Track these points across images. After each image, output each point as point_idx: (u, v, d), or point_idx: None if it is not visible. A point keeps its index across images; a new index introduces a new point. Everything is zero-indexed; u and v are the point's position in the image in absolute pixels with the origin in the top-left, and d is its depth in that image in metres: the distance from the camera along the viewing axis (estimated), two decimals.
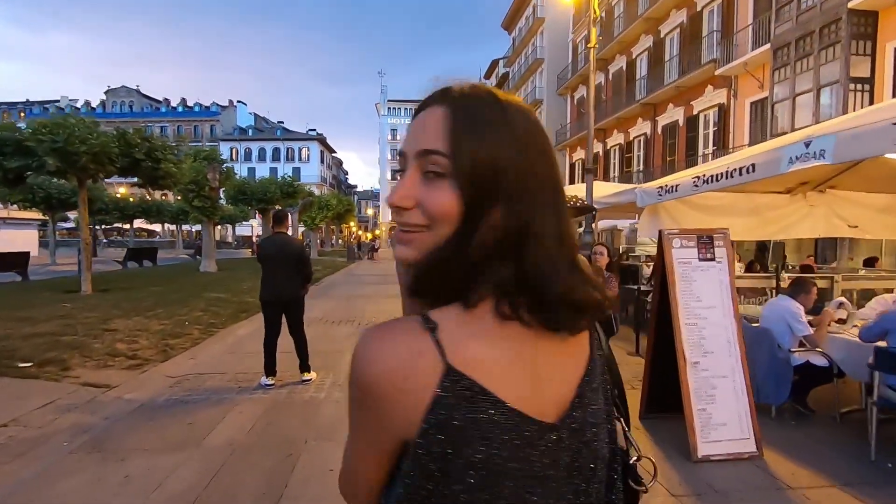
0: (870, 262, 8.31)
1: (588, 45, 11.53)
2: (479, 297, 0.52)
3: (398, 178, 0.58)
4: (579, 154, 27.95)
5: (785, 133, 12.10)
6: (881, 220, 6.00)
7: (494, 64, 48.99)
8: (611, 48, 23.93)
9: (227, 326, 7.82)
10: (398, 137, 74.72)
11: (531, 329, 0.52)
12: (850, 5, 11.32)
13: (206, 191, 15.61)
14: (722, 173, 4.23)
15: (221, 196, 18.63)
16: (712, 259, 3.59)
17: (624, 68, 23.62)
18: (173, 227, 43.72)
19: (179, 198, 16.84)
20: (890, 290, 5.47)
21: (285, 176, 26.24)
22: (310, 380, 5.01)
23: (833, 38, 11.80)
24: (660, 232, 3.63)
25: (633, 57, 22.82)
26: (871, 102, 11.55)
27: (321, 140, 68.00)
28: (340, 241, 56.89)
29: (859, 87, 11.54)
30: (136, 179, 11.60)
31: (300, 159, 66.21)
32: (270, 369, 4.90)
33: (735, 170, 4.06)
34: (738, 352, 3.45)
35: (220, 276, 14.92)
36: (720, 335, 3.46)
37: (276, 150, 66.29)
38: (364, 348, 0.52)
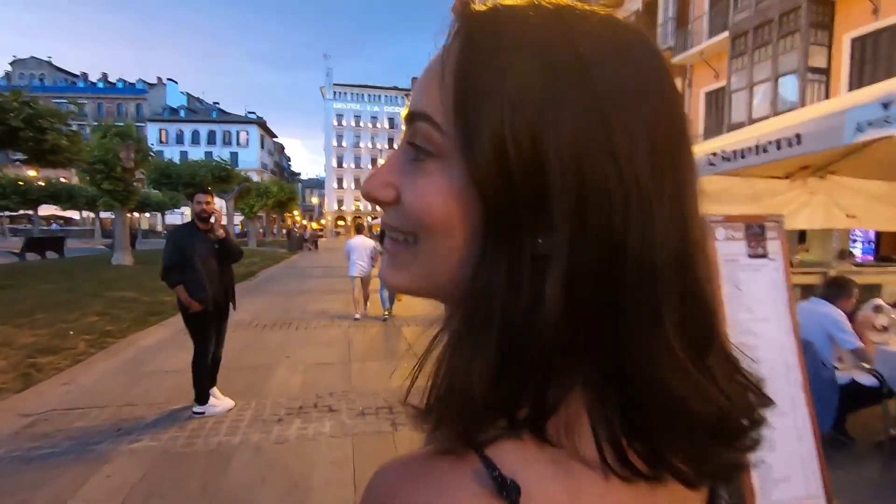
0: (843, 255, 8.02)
1: None
2: (553, 416, 0.29)
3: None
4: None
5: (742, 125, 11.90)
6: (879, 210, 5.50)
7: None
8: None
9: (129, 335, 6.34)
10: (344, 123, 72.10)
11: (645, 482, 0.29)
12: None
13: (119, 172, 13.51)
14: (752, 147, 3.41)
15: (139, 179, 16.42)
16: (764, 255, 2.71)
17: None
18: (94, 214, 39.56)
19: (87, 179, 14.54)
20: None
21: (218, 158, 23.93)
22: (211, 412, 3.78)
23: (792, 26, 11.63)
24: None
25: None
26: (827, 94, 11.51)
27: (261, 124, 64.23)
28: (284, 230, 54.17)
29: (816, 77, 11.45)
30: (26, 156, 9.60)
31: (238, 143, 62.27)
32: (205, 392, 3.76)
33: (771, 143, 3.23)
34: (799, 378, 2.60)
35: (134, 271, 12.99)
36: (777, 358, 2.60)
37: (212, 133, 61.94)
38: None
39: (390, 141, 72.90)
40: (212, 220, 3.83)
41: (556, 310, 0.27)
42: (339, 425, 3.64)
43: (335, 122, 71.92)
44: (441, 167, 0.31)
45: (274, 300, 9.89)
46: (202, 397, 3.72)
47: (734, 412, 0.31)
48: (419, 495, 0.27)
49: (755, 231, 2.75)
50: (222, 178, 21.43)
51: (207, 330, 3.76)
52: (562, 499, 0.28)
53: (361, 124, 73.11)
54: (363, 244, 8.39)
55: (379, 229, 13.86)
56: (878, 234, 11.83)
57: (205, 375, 3.75)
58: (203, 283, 3.67)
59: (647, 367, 0.28)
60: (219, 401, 3.85)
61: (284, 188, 35.11)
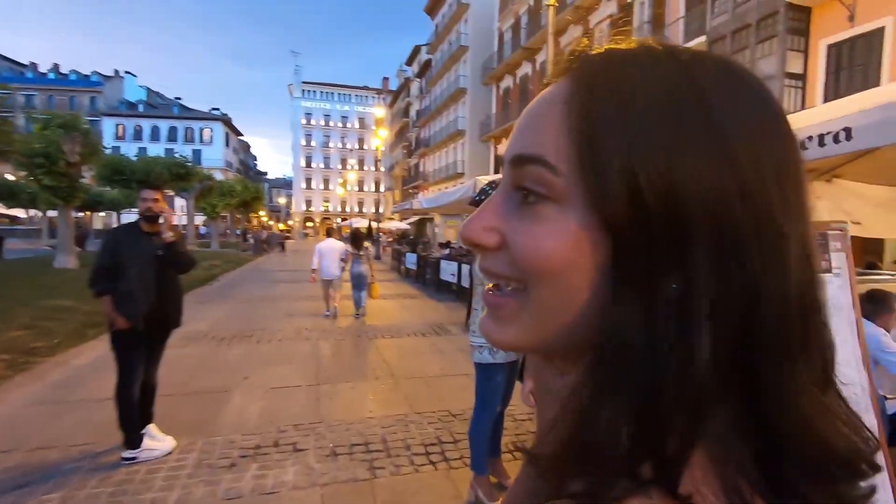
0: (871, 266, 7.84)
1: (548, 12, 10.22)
2: (684, 466, 0.26)
3: None
4: (506, 146, 27.25)
5: None
6: (883, 217, 5.25)
7: (417, 50, 47.19)
8: (539, 37, 23.35)
9: (59, 353, 5.50)
10: (313, 122, 70.48)
11: None
12: None
13: (62, 167, 12.32)
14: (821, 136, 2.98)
15: (87, 175, 15.14)
16: (828, 270, 2.27)
17: (553, 58, 23.05)
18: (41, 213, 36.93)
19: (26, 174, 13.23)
20: None
21: (177, 154, 22.57)
22: (146, 457, 3.10)
23: (770, 31, 11.62)
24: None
25: (562, 47, 22.29)
26: (804, 99, 11.53)
27: (226, 121, 61.98)
28: (239, 231, 52.14)
29: (793, 83, 11.45)
30: None
31: (201, 141, 59.84)
32: (135, 432, 3.08)
33: (811, 138, 2.81)
34: (873, 423, 2.15)
35: (78, 275, 11.79)
36: (850, 400, 2.12)
37: (173, 130, 59.29)
38: None
39: (360, 141, 71.72)
40: (160, 220, 3.12)
41: (706, 358, 0.26)
42: (305, 471, 3.00)
43: (303, 121, 70.21)
44: (558, 211, 0.29)
45: (235, 308, 9.07)
46: (132, 439, 3.03)
47: (859, 453, 0.29)
48: None
49: (817, 241, 2.25)
50: (181, 175, 20.14)
51: (134, 355, 3.05)
52: None
53: (331, 123, 71.61)
54: (333, 247, 8.29)
55: (349, 231, 13.33)
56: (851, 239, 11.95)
57: (131, 411, 3.05)
58: (135, 294, 2.97)
59: (791, 408, 0.27)
60: (155, 441, 3.15)
61: (249, 187, 33.65)
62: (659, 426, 0.26)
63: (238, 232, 40.60)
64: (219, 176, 43.43)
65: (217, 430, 3.56)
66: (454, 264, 11.03)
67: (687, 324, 0.26)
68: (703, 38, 13.59)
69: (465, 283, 10.04)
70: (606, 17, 19.36)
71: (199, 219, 39.12)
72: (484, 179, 8.77)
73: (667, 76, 0.28)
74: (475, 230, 0.32)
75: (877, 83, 10.06)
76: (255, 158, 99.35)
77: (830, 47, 11.04)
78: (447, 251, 14.86)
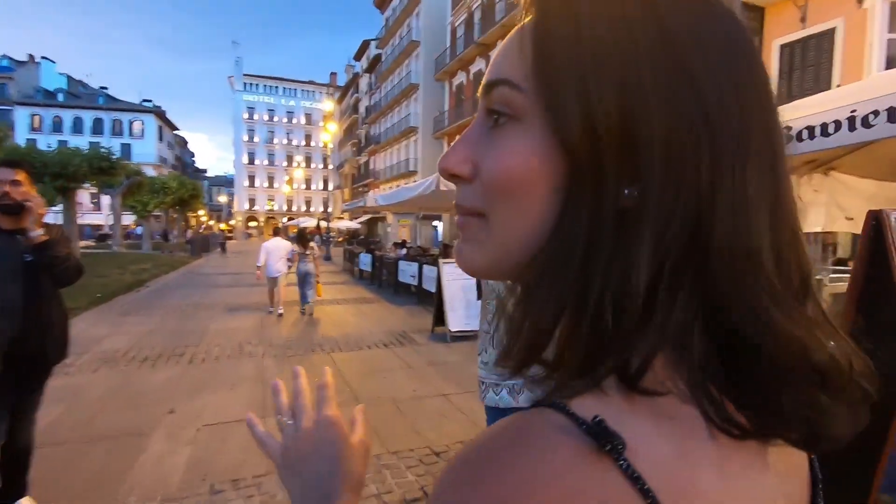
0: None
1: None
2: (648, 366, 0.27)
3: None
4: None
5: None
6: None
7: (366, 44, 45.91)
8: (493, 33, 23.03)
9: None
10: (256, 117, 67.23)
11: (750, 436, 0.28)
12: None
13: None
14: (841, 121, 2.52)
15: None
16: None
17: None
18: None
19: None
20: None
21: (101, 147, 20.33)
22: None
23: None
24: (875, 213, 1.71)
25: None
26: None
27: (159, 113, 57.78)
28: (190, 231, 48.66)
29: None
30: None
31: (131, 134, 55.46)
32: None
33: (857, 117, 2.38)
34: None
35: None
36: None
37: (98, 122, 54.59)
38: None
39: (307, 137, 69.21)
40: (25, 211, 2.18)
41: (648, 266, 0.26)
42: None
43: (245, 116, 66.82)
44: (521, 129, 0.30)
45: (165, 319, 7.89)
46: None
47: (846, 369, 0.29)
48: (504, 452, 0.25)
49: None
50: (103, 168, 18.07)
51: None
52: (667, 452, 0.26)
53: (275, 119, 68.60)
54: (280, 246, 8.50)
55: (296, 231, 12.45)
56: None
57: None
58: None
59: (753, 307, 0.27)
60: None
61: (186, 184, 31.21)
62: (603, 333, 0.27)
63: (158, 235, 37.42)
64: (151, 172, 40.28)
65: (126, 493, 2.67)
66: (414, 265, 10.28)
67: (635, 235, 0.27)
68: None
69: (427, 285, 9.32)
70: None
71: (130, 218, 36.10)
72: None
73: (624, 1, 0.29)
74: (451, 162, 0.33)
75: (828, 84, 10.29)
76: (192, 155, 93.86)
77: (783, 47, 11.22)
78: (403, 251, 14.07)
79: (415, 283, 10.13)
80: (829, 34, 10.32)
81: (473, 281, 6.93)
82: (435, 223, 30.25)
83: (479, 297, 2.36)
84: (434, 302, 7.06)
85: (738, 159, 0.28)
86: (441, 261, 6.85)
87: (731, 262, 0.27)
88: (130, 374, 4.92)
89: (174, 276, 15.26)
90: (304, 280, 8.44)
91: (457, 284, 6.74)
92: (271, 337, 6.70)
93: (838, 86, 9.94)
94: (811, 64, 10.74)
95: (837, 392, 0.28)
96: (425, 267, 9.63)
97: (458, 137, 0.34)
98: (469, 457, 0.26)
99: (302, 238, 8.73)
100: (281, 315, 8.23)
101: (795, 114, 2.90)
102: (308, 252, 8.48)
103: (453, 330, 6.50)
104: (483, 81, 0.33)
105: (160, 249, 27.08)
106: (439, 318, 6.85)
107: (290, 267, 8.54)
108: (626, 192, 0.27)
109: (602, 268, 0.27)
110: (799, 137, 2.73)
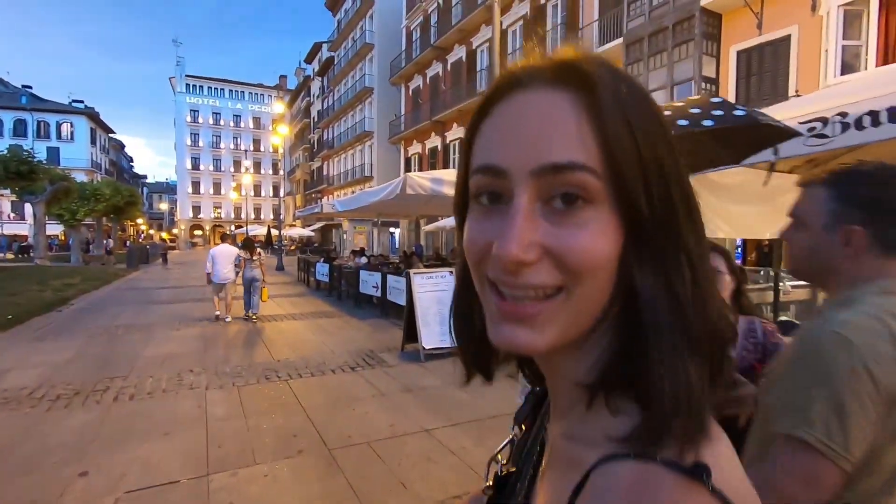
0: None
1: None
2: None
3: (479, 214, 0.37)
4: (416, 148, 26.34)
5: None
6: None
7: (318, 47, 44.59)
8: (449, 37, 22.76)
9: None
10: (200, 120, 63.97)
11: None
12: (702, 3, 11.30)
13: None
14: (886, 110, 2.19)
15: None
16: None
17: (464, 59, 22.51)
18: None
19: None
20: None
21: (21, 149, 18.20)
22: None
23: (686, 35, 11.75)
24: None
25: (474, 47, 21.81)
26: None
27: (91, 115, 53.72)
28: (130, 241, 45.04)
29: (707, 86, 11.66)
30: None
31: (59, 137, 51.27)
32: None
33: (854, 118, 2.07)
34: None
35: None
36: None
37: (20, 123, 50.16)
38: None
39: (256, 142, 66.51)
40: None
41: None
42: None
43: (189, 119, 63.44)
44: (596, 212, 0.33)
45: (88, 344, 6.80)
46: None
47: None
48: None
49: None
50: (22, 173, 16.19)
51: None
52: (734, 466, 0.33)
53: (222, 122, 65.51)
54: (227, 252, 8.69)
55: (243, 239, 11.52)
56: (745, 242, 12.42)
57: None
58: None
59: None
60: None
61: (122, 190, 28.81)
62: (697, 366, 0.32)
63: (110, 242, 34.45)
64: (82, 178, 37.20)
65: None
66: (376, 275, 9.56)
67: (694, 280, 0.33)
68: (619, 41, 13.59)
69: (394, 297, 8.64)
70: (520, 17, 19.11)
71: (55, 228, 33.09)
72: (417, 177, 7.51)
73: (636, 83, 0.35)
74: (515, 249, 0.33)
75: (786, 90, 10.49)
76: (131, 160, 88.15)
77: (740, 53, 11.38)
78: (363, 259, 13.25)
79: (378, 294, 9.42)
80: (785, 41, 10.52)
81: (449, 292, 6.35)
82: (392, 230, 29.48)
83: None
84: (403, 316, 6.40)
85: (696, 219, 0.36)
86: (411, 271, 6.20)
87: (703, 312, 0.34)
88: (35, 420, 3.97)
89: (106, 291, 13.75)
90: (249, 286, 8.85)
91: (430, 297, 6.12)
92: (217, 362, 5.82)
93: (796, 92, 10.14)
94: (768, 70, 10.93)
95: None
96: (390, 277, 8.95)
97: (506, 226, 0.34)
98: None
99: (248, 245, 9.19)
100: (228, 321, 8.57)
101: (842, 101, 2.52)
102: (255, 258, 8.89)
103: (427, 347, 5.87)
104: (544, 161, 0.33)
105: (100, 261, 24.78)
106: (410, 335, 6.20)
107: (237, 273, 8.75)
108: (674, 250, 0.34)
109: (695, 315, 0.33)
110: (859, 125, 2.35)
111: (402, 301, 8.16)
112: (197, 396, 4.56)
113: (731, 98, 11.53)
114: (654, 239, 0.33)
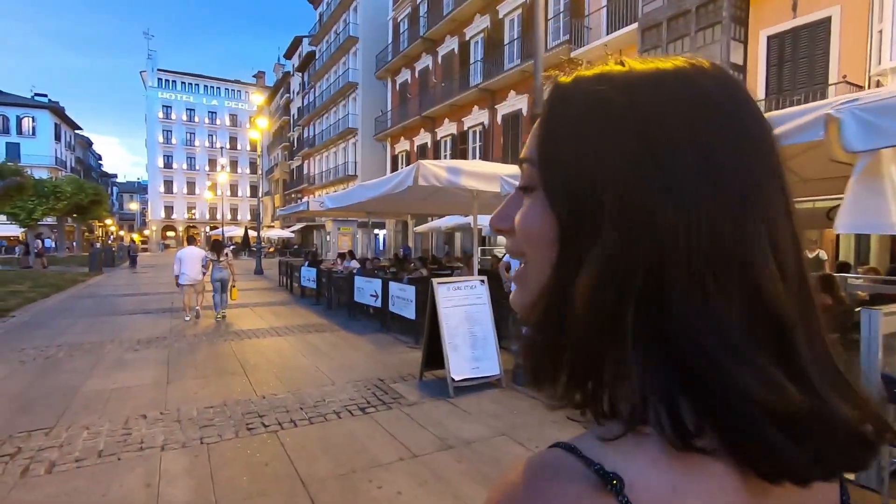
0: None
1: None
2: (637, 413, 0.33)
3: None
4: (403, 145, 25.00)
5: None
6: None
7: (298, 41, 42.85)
8: (440, 28, 21.54)
9: None
10: (173, 116, 61.27)
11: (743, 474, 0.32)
12: None
13: None
14: None
15: None
16: None
17: (456, 51, 21.27)
18: None
19: None
20: None
21: None
22: None
23: (712, 17, 10.73)
24: None
25: (467, 38, 20.61)
26: None
27: (56, 110, 50.74)
28: (100, 242, 42.08)
29: (734, 75, 10.64)
30: None
31: (20, 132, 48.16)
32: None
33: None
34: None
35: None
36: None
37: None
38: None
39: (232, 140, 64.02)
40: None
41: (583, 301, 0.33)
42: None
43: (161, 115, 60.67)
44: (535, 198, 0.39)
45: (12, 375, 5.29)
46: None
47: (834, 418, 0.31)
48: (527, 496, 0.31)
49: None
50: None
51: None
52: (665, 490, 0.30)
53: (196, 119, 62.85)
54: (194, 254, 8.73)
55: (213, 240, 10.36)
56: None
57: None
58: None
59: (697, 342, 0.31)
60: None
61: (86, 188, 26.73)
62: (587, 367, 0.35)
63: (73, 244, 31.89)
64: (44, 175, 34.70)
65: None
66: (376, 282, 8.22)
67: (599, 278, 0.33)
68: (632, 27, 12.55)
69: (397, 307, 7.31)
70: (518, 6, 17.98)
71: (13, 228, 30.62)
72: (431, 165, 6.23)
73: (607, 94, 0.35)
74: (496, 220, 0.43)
75: (825, 78, 9.56)
76: (99, 158, 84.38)
77: (771, 38, 10.42)
78: (353, 262, 11.83)
79: (377, 304, 8.08)
80: (824, 23, 9.57)
81: (482, 307, 5.07)
82: (377, 231, 27.95)
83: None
84: (424, 336, 5.09)
85: (699, 221, 0.31)
86: (435, 281, 4.89)
87: (685, 320, 0.31)
88: None
89: (57, 299, 12.04)
90: (217, 286, 8.94)
91: (458, 313, 4.81)
92: (181, 399, 4.42)
93: (843, 77, 9.19)
94: (803, 56, 9.97)
95: (801, 434, 0.30)
96: (393, 285, 7.61)
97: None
98: (499, 498, 0.32)
99: (216, 246, 9.26)
100: (198, 318, 8.84)
101: None
102: (222, 259, 9.01)
103: (457, 379, 4.56)
104: (521, 157, 0.42)
105: (60, 265, 22.65)
106: (431, 360, 4.90)
107: (204, 274, 8.82)
108: (592, 249, 0.33)
109: (568, 311, 0.34)
110: None
111: (410, 314, 6.86)
112: (147, 465, 3.17)
113: (762, 88, 10.57)
114: (573, 228, 0.35)
